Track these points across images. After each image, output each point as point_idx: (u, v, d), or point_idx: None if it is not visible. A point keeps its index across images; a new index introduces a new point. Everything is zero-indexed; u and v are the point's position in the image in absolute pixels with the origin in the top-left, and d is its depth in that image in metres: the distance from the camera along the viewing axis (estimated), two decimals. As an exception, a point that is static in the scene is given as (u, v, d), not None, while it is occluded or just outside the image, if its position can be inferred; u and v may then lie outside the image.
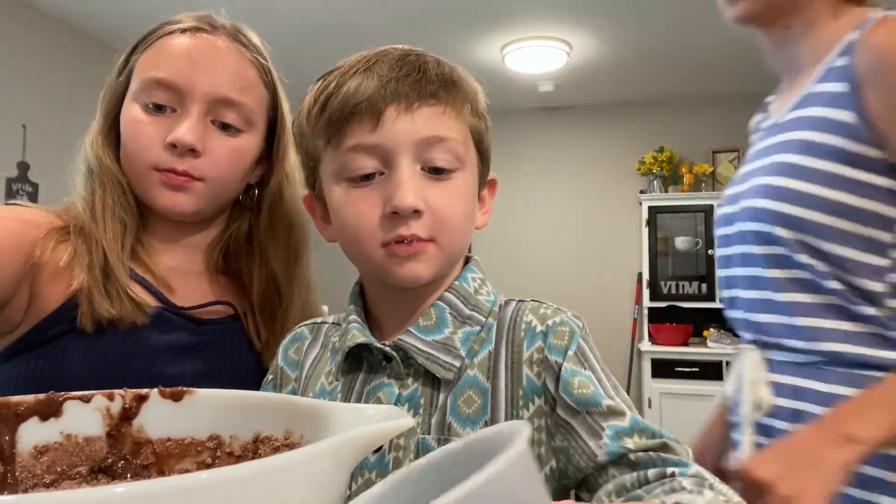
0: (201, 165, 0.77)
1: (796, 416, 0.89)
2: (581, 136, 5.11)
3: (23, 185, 3.41)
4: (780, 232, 0.90)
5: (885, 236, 0.85)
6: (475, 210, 0.68)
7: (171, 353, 0.77)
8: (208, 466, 0.48)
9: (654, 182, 4.76)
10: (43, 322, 0.73)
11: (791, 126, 0.93)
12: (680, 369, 4.34)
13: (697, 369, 4.30)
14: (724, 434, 1.04)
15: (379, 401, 0.63)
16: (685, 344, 4.48)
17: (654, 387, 4.37)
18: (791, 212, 0.88)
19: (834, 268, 0.86)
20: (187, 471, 0.47)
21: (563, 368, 0.60)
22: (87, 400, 0.48)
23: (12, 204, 0.79)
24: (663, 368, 4.37)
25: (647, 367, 4.41)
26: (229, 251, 0.87)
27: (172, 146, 0.75)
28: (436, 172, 0.62)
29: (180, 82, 0.76)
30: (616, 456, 0.55)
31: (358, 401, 0.64)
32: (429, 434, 0.60)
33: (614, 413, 0.57)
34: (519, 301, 0.68)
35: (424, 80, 0.62)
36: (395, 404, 0.62)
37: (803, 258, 0.89)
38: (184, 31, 0.79)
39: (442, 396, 0.61)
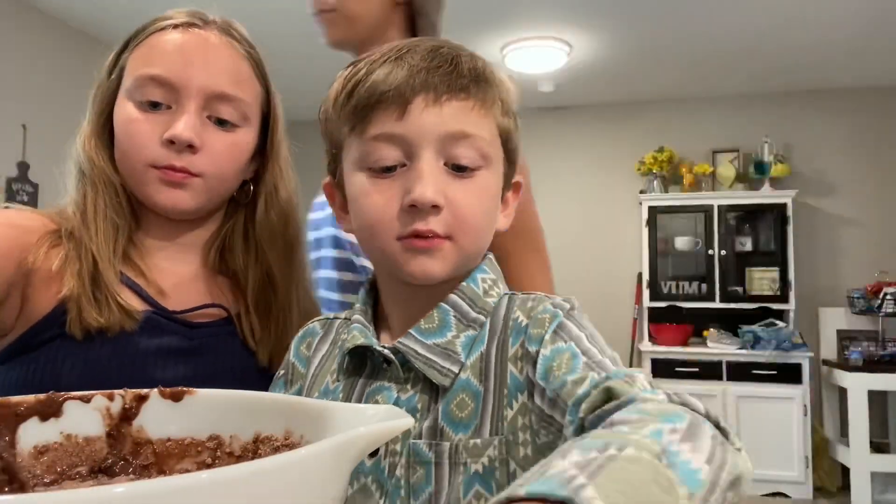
0: (199, 161, 0.76)
1: None
2: (581, 136, 5.11)
3: (23, 185, 3.41)
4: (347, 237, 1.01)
5: None
6: (497, 211, 0.66)
7: (162, 357, 0.76)
8: (208, 466, 0.48)
9: (654, 182, 4.76)
10: (33, 327, 0.73)
11: None
12: (680, 369, 4.34)
13: (697, 369, 4.30)
14: None
15: (377, 403, 0.61)
16: (685, 344, 4.48)
17: (654, 387, 4.37)
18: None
19: None
20: (187, 471, 0.47)
21: (539, 355, 0.57)
22: (87, 400, 0.48)
23: (6, 207, 0.78)
24: (663, 368, 4.37)
25: (647, 367, 4.41)
26: (225, 249, 0.86)
27: (170, 143, 0.75)
28: (459, 170, 0.61)
29: (175, 78, 0.76)
30: (577, 430, 0.48)
31: (358, 402, 0.63)
32: (420, 439, 0.58)
33: (577, 384, 0.52)
34: (511, 295, 0.66)
35: (455, 74, 0.60)
36: None
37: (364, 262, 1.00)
38: (175, 26, 0.79)
39: (439, 401, 0.60)
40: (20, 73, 3.43)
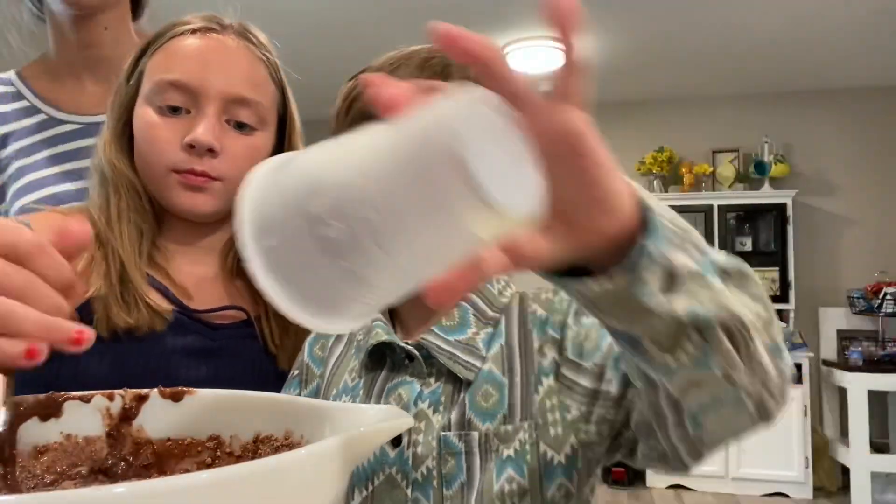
0: (219, 165, 0.77)
1: None
2: (581, 136, 5.11)
3: (23, 185, 3.41)
4: None
5: None
6: None
7: (186, 357, 0.77)
8: (208, 466, 0.48)
9: (654, 182, 4.76)
10: None
11: None
12: (680, 369, 4.34)
13: (697, 369, 4.30)
14: None
15: (399, 397, 0.63)
16: (685, 344, 4.48)
17: (654, 387, 4.37)
18: None
19: None
20: (187, 471, 0.47)
21: (567, 337, 0.60)
22: (87, 400, 0.48)
23: (30, 210, 0.79)
24: (663, 368, 4.37)
25: (647, 367, 4.41)
26: None
27: (190, 147, 0.76)
28: None
29: (194, 83, 0.77)
30: (622, 385, 0.54)
31: (379, 397, 0.65)
32: (450, 430, 0.60)
33: (613, 344, 0.54)
34: (523, 293, 0.68)
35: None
36: (416, 400, 0.62)
37: None
38: (193, 31, 0.80)
39: (462, 394, 0.62)
40: (20, 73, 3.43)
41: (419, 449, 0.60)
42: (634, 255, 0.35)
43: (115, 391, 0.49)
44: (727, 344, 0.39)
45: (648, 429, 0.51)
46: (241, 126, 0.79)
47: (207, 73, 0.77)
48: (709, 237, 4.55)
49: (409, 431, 0.61)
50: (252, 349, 0.82)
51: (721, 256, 0.41)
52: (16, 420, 0.45)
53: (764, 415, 0.45)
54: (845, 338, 4.43)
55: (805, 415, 4.09)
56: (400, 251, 0.29)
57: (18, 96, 1.09)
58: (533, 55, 3.93)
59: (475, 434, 0.59)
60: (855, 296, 4.28)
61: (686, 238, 0.38)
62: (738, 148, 4.77)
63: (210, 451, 0.48)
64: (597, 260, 0.36)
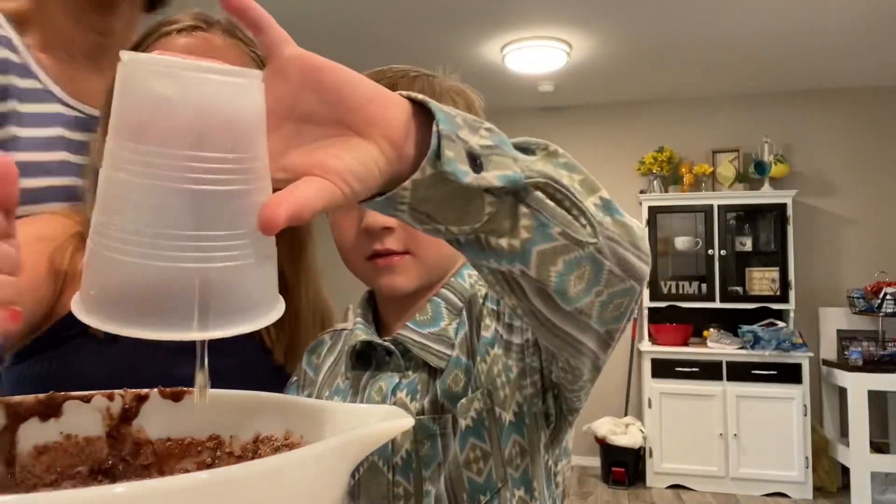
0: None
1: None
2: (581, 136, 5.11)
3: (23, 185, 3.41)
4: None
5: None
6: None
7: (183, 355, 0.77)
8: (208, 466, 0.48)
9: (654, 182, 4.76)
10: (57, 324, 0.74)
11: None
12: (680, 369, 4.34)
13: (697, 369, 4.30)
14: None
15: (380, 389, 0.67)
16: (685, 344, 4.48)
17: (654, 387, 4.37)
18: None
19: None
20: (187, 471, 0.47)
21: (502, 304, 0.65)
22: (87, 400, 0.48)
23: (28, 213, 0.79)
24: (663, 368, 4.37)
25: (647, 367, 4.41)
26: None
27: None
28: None
29: None
30: None
31: (363, 392, 0.68)
32: (424, 415, 0.63)
33: None
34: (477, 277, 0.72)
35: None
36: (394, 390, 0.66)
37: None
38: (180, 31, 0.79)
39: (436, 381, 0.65)
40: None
41: (398, 435, 0.62)
42: (432, 142, 0.39)
43: (115, 391, 0.49)
44: (551, 203, 0.43)
45: (552, 343, 0.53)
46: None
47: None
48: (709, 237, 4.55)
49: None
50: (248, 346, 0.82)
51: (524, 139, 0.46)
52: (16, 420, 0.45)
53: (630, 270, 0.47)
54: (845, 338, 4.43)
55: (805, 415, 4.09)
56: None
57: (10, 46, 0.95)
58: (533, 55, 3.93)
59: (448, 417, 0.63)
60: (855, 296, 4.28)
61: (480, 125, 0.42)
62: (738, 148, 4.77)
63: (210, 451, 0.48)
64: (406, 170, 0.40)
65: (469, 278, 0.71)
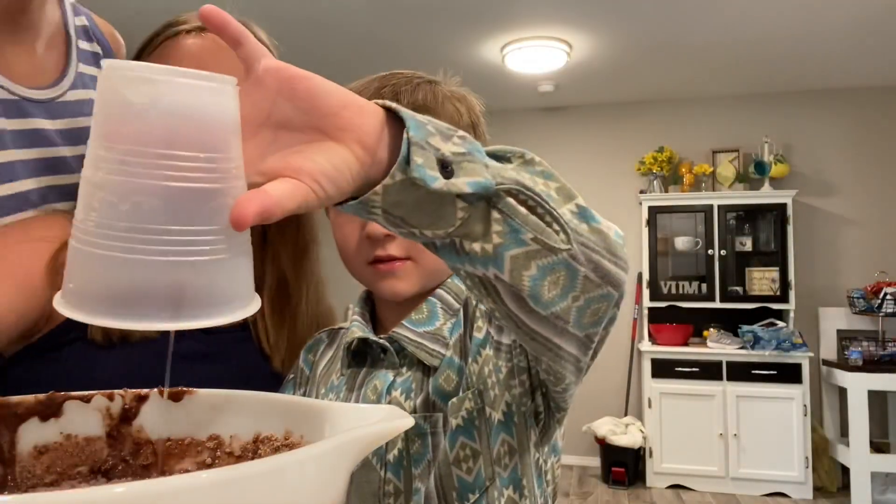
0: None
1: None
2: (581, 136, 5.11)
3: (23, 185, 3.40)
4: None
5: None
6: None
7: (180, 361, 0.77)
8: (208, 466, 0.48)
9: (654, 182, 4.76)
10: (56, 328, 0.73)
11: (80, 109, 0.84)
12: (680, 369, 4.34)
13: (697, 369, 4.30)
14: None
15: (375, 388, 0.67)
16: (685, 344, 4.48)
17: (654, 387, 4.37)
18: None
19: None
20: (187, 471, 0.47)
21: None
22: (87, 400, 0.48)
23: (26, 212, 0.78)
24: (663, 368, 4.37)
25: (646, 367, 4.41)
26: None
27: None
28: None
29: None
30: None
31: (359, 390, 0.69)
32: (415, 413, 0.64)
33: None
34: None
35: (410, 105, 0.65)
36: (389, 388, 0.67)
37: None
38: (188, 31, 0.79)
39: (429, 380, 0.66)
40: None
41: None
42: (402, 148, 0.40)
43: (115, 391, 0.49)
44: (523, 210, 0.44)
45: (530, 347, 0.53)
46: None
47: None
48: (709, 237, 4.55)
49: None
50: (246, 351, 0.82)
51: (501, 147, 0.47)
52: (16, 420, 0.45)
53: (606, 277, 0.48)
54: (845, 338, 4.43)
55: (805, 415, 4.09)
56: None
57: None
58: (533, 55, 3.93)
59: (439, 416, 0.64)
60: (855, 296, 4.28)
61: (453, 133, 0.43)
62: (738, 148, 4.77)
63: (210, 451, 0.48)
64: (379, 175, 0.41)
65: None
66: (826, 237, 4.64)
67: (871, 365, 4.06)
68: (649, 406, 4.36)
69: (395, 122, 0.42)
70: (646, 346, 4.50)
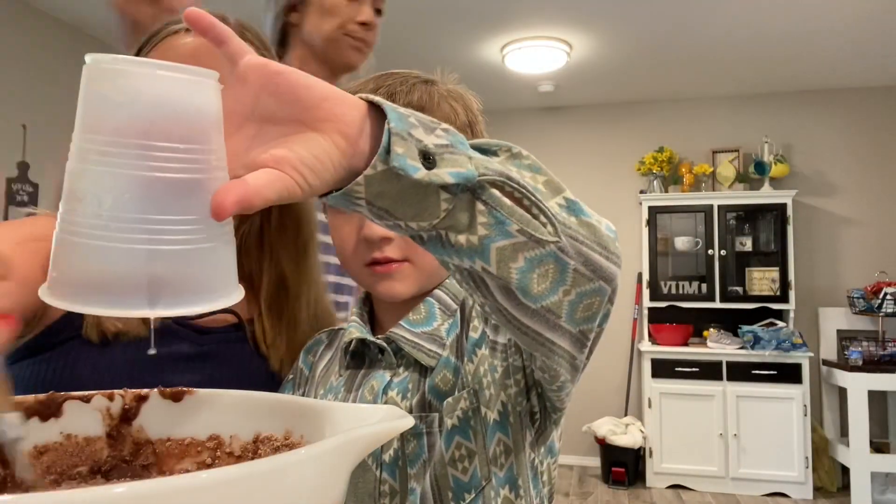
0: None
1: None
2: (581, 136, 5.11)
3: (23, 185, 3.41)
4: None
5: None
6: None
7: (173, 362, 0.77)
8: (208, 466, 0.48)
9: (654, 182, 4.76)
10: (50, 327, 0.73)
11: None
12: (680, 369, 4.34)
13: (697, 369, 4.30)
14: None
15: (372, 388, 0.67)
16: (685, 344, 4.48)
17: (654, 387, 4.37)
18: None
19: None
20: (187, 471, 0.47)
21: None
22: (87, 400, 0.48)
23: (21, 209, 0.78)
24: (663, 368, 4.37)
25: (646, 367, 4.41)
26: (240, 251, 0.86)
27: None
28: None
29: None
30: None
31: (357, 390, 0.69)
32: (412, 413, 0.64)
33: None
34: None
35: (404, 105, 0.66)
36: (385, 389, 0.66)
37: None
38: (188, 30, 0.79)
39: (426, 380, 0.66)
40: (20, 73, 3.43)
41: None
42: (383, 139, 0.40)
43: (115, 391, 0.49)
44: (509, 202, 0.44)
45: (522, 342, 0.53)
46: None
47: None
48: (709, 237, 4.55)
49: None
50: (242, 352, 0.82)
51: (487, 141, 0.47)
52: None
53: (598, 271, 0.47)
54: (845, 338, 4.43)
55: (805, 415, 4.08)
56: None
57: None
58: (533, 55, 3.93)
59: (434, 415, 0.64)
60: (855, 296, 4.28)
61: (436, 126, 0.43)
62: (738, 148, 4.77)
63: (210, 451, 0.48)
64: (362, 165, 0.41)
65: None
66: (826, 237, 4.64)
67: (871, 365, 4.06)
68: (649, 406, 4.36)
69: (378, 114, 0.42)
70: (646, 346, 4.50)
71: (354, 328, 0.71)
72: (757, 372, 4.19)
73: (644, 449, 4.35)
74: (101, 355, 0.73)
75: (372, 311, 0.76)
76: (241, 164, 0.40)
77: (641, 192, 4.80)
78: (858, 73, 4.38)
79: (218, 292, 0.40)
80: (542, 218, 0.44)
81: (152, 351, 0.46)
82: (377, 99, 0.42)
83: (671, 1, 3.36)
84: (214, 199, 0.36)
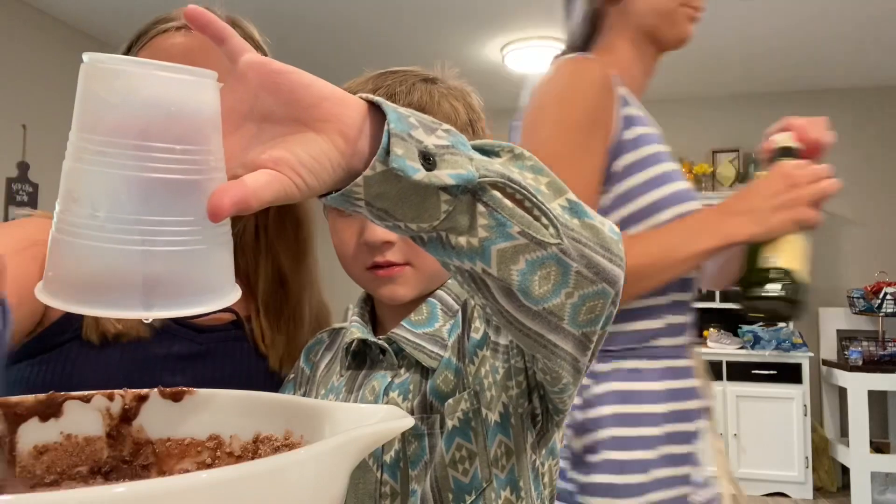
0: None
1: None
2: (581, 136, 5.11)
3: (23, 185, 3.41)
4: None
5: None
6: None
7: (172, 362, 0.77)
8: (208, 466, 0.48)
9: (654, 182, 4.75)
10: (49, 328, 0.73)
11: None
12: (680, 369, 4.33)
13: (697, 369, 4.30)
14: None
15: (373, 389, 0.67)
16: (685, 344, 4.47)
17: (654, 387, 4.36)
18: None
19: None
20: (187, 471, 0.47)
21: None
22: (87, 400, 0.48)
23: (21, 209, 0.78)
24: (663, 368, 4.36)
25: (647, 367, 4.41)
26: (237, 250, 0.86)
27: None
28: None
29: None
30: None
31: (358, 391, 0.68)
32: (413, 414, 0.64)
33: None
34: None
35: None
36: (386, 390, 0.66)
37: None
38: (178, 28, 0.78)
39: (427, 381, 0.66)
40: (20, 73, 3.44)
41: None
42: (383, 140, 0.40)
43: (115, 391, 0.49)
44: (510, 203, 0.43)
45: (523, 343, 0.52)
46: None
47: None
48: (709, 237, 4.55)
49: None
50: (240, 350, 0.81)
51: (489, 142, 0.47)
52: (16, 420, 0.45)
53: (601, 273, 0.47)
54: (845, 338, 4.43)
55: (805, 415, 4.08)
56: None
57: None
58: (533, 55, 3.92)
59: (436, 417, 0.63)
60: (855, 296, 4.28)
61: (437, 127, 0.43)
62: (738, 148, 4.77)
63: (210, 451, 0.48)
64: (361, 166, 0.41)
65: None
66: (826, 237, 4.64)
67: (871, 365, 4.06)
68: (649, 406, 4.36)
69: (378, 114, 0.42)
70: (646, 346, 4.49)
71: (356, 328, 0.71)
72: (757, 372, 4.19)
73: (644, 449, 4.35)
74: (100, 356, 0.73)
75: (373, 310, 0.76)
76: (240, 164, 0.40)
77: (641, 192, 4.80)
78: (859, 73, 4.38)
79: (214, 293, 0.39)
80: (544, 220, 0.44)
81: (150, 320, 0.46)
82: (377, 99, 0.42)
83: (671, 1, 3.36)
84: (211, 200, 0.36)
